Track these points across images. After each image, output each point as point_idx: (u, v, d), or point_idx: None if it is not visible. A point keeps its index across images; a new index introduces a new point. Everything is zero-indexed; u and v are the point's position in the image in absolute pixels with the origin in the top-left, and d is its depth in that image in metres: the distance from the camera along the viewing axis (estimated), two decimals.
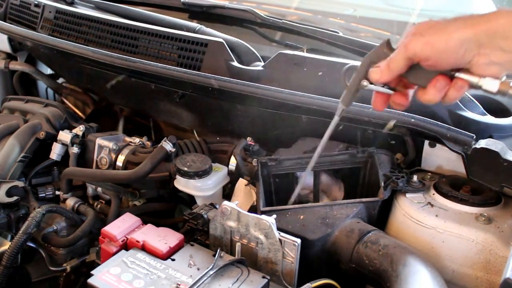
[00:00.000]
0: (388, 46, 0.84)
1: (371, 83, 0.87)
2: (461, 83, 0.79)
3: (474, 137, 1.04)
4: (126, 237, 1.05)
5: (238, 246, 1.03)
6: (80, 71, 1.70)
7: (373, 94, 0.90)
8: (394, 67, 0.82)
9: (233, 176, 1.35)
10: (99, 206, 1.42)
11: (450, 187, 1.11)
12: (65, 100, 1.99)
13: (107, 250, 1.03)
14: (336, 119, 0.95)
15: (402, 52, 0.80)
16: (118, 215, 1.25)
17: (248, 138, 1.35)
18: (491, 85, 0.77)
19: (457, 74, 0.79)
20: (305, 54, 1.32)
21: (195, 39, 1.42)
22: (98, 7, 1.86)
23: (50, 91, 2.09)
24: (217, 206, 1.12)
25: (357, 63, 0.91)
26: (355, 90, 0.89)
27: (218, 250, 0.98)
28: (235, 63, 1.36)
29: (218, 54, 1.38)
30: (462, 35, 0.74)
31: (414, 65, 0.81)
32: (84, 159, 1.50)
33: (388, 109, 1.11)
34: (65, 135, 1.50)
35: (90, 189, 1.47)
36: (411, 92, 0.88)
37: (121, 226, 1.07)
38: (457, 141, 1.05)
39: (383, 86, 0.87)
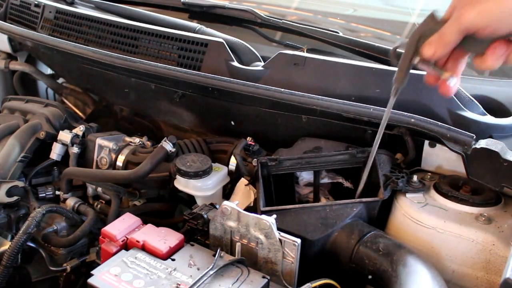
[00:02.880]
0: (434, 19, 0.82)
1: (423, 60, 0.84)
2: None
3: (474, 137, 1.04)
4: (126, 237, 1.05)
5: (238, 246, 1.03)
6: (80, 71, 1.70)
7: (425, 71, 0.88)
8: (448, 40, 0.79)
9: (233, 176, 1.35)
10: (99, 206, 1.42)
11: (450, 187, 1.11)
12: (65, 100, 1.99)
13: (107, 250, 1.03)
14: (392, 100, 0.92)
15: (455, 25, 0.78)
16: (118, 215, 1.25)
17: (248, 138, 1.35)
18: None
19: None
20: (305, 54, 1.32)
21: (195, 39, 1.42)
22: (98, 7, 1.86)
23: (50, 91, 2.09)
24: (217, 206, 1.12)
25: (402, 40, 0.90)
26: (407, 67, 0.86)
27: (218, 250, 0.98)
28: (235, 63, 1.36)
29: (218, 54, 1.38)
30: None
31: (467, 36, 0.78)
32: (84, 159, 1.50)
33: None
34: (65, 135, 1.50)
35: (90, 189, 1.47)
36: (461, 69, 0.85)
37: (121, 226, 1.07)
38: (457, 141, 1.05)
39: (433, 65, 0.85)
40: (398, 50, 0.89)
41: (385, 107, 1.11)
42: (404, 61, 0.86)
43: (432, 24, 0.81)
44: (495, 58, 0.78)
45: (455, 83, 0.86)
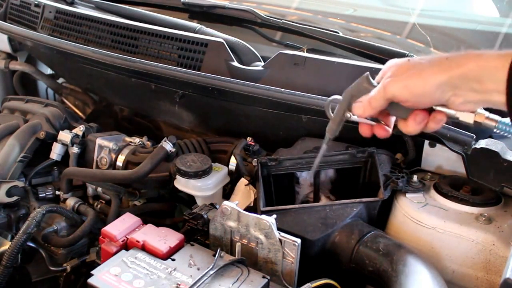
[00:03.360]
0: (368, 81, 0.89)
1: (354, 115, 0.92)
2: (440, 116, 0.85)
3: (474, 137, 1.04)
4: (126, 237, 1.05)
5: (238, 246, 1.03)
6: (80, 71, 1.70)
7: (359, 123, 0.95)
8: (375, 104, 0.87)
9: (233, 176, 1.35)
10: (99, 206, 1.42)
11: (450, 187, 1.11)
12: (65, 100, 1.99)
13: (107, 250, 1.03)
14: (324, 147, 0.99)
15: (381, 93, 0.85)
16: (118, 215, 1.25)
17: (248, 138, 1.35)
18: (467, 117, 0.83)
19: (436, 108, 0.84)
20: (305, 54, 1.32)
21: (195, 39, 1.42)
22: (98, 7, 1.86)
23: (50, 91, 2.09)
24: (217, 206, 1.12)
25: (338, 97, 0.95)
26: (339, 121, 0.94)
27: (218, 250, 0.98)
28: (235, 63, 1.36)
29: (218, 54, 1.38)
30: (437, 79, 0.79)
31: (392, 102, 0.86)
32: (84, 159, 1.50)
33: None
34: (65, 135, 1.50)
35: (90, 189, 1.47)
36: (392, 122, 0.93)
37: (121, 226, 1.07)
38: (457, 141, 1.05)
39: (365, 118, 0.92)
40: (332, 103, 0.96)
41: None
42: (337, 114, 0.94)
43: (365, 85, 0.89)
44: (415, 124, 0.86)
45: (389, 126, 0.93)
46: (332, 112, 0.95)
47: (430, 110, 0.85)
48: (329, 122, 0.96)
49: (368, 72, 0.90)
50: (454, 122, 1.09)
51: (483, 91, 0.77)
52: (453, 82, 0.78)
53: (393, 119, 0.93)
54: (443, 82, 0.79)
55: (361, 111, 0.89)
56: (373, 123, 0.93)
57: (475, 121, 0.83)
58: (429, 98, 0.82)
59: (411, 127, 0.86)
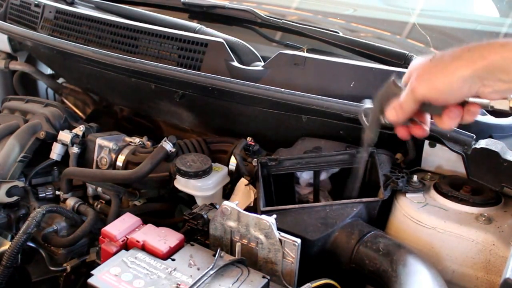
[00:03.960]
0: (395, 85, 0.90)
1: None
2: (474, 108, 0.84)
3: (474, 137, 1.04)
4: (126, 237, 1.05)
5: (238, 246, 1.03)
6: (80, 71, 1.70)
7: (396, 126, 0.95)
8: (407, 108, 0.87)
9: (233, 176, 1.35)
10: (99, 206, 1.42)
11: (450, 187, 1.11)
12: (65, 100, 1.99)
13: (107, 250, 1.03)
14: (364, 156, 1.05)
15: (410, 96, 0.85)
16: (118, 215, 1.25)
17: (248, 138, 1.35)
18: (502, 104, 0.82)
19: (469, 100, 0.83)
20: (305, 54, 1.32)
21: (195, 39, 1.42)
22: (98, 7, 1.86)
23: (50, 91, 2.09)
24: (217, 206, 1.12)
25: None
26: (375, 128, 0.95)
27: (218, 250, 0.98)
28: (235, 63, 1.36)
29: (218, 54, 1.38)
30: (462, 74, 0.79)
31: (424, 102, 0.85)
32: (84, 159, 1.50)
33: None
34: (65, 135, 1.50)
35: (90, 189, 1.47)
36: (428, 119, 0.92)
37: (121, 226, 1.07)
38: (457, 141, 1.05)
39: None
40: (365, 111, 0.96)
41: None
42: (372, 121, 0.95)
43: (393, 89, 0.90)
44: (450, 120, 0.86)
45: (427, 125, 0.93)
46: (367, 120, 0.96)
47: (463, 103, 0.84)
48: (366, 131, 0.97)
49: (393, 76, 0.90)
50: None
51: (510, 81, 0.77)
52: (479, 74, 0.78)
53: (428, 116, 0.92)
54: (468, 76, 0.78)
55: (395, 116, 0.89)
56: (408, 123, 0.92)
57: (511, 107, 0.82)
58: (458, 94, 0.81)
59: (447, 123, 0.86)
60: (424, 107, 0.86)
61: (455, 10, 1.72)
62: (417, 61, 0.87)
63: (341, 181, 1.30)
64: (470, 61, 0.78)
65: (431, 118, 0.92)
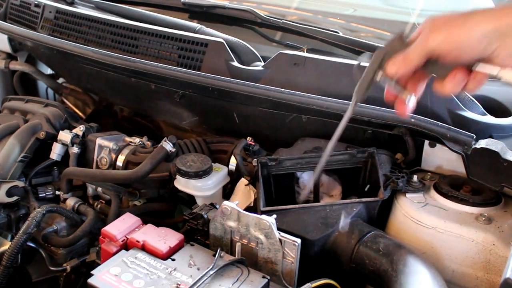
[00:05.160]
0: (402, 39, 0.83)
1: (386, 76, 0.86)
2: (481, 76, 0.79)
3: (474, 137, 1.04)
4: (126, 237, 1.05)
5: (238, 246, 1.03)
6: (80, 71, 1.70)
7: (385, 87, 0.89)
8: (412, 61, 0.81)
9: (233, 176, 1.35)
10: (99, 206, 1.42)
11: (450, 187, 1.11)
12: (65, 100, 1.99)
13: (107, 250, 1.03)
14: (349, 112, 0.92)
15: (420, 47, 0.80)
16: (118, 215, 1.25)
17: (248, 138, 1.35)
18: (511, 75, 0.76)
19: (477, 66, 0.78)
20: (305, 54, 1.32)
21: (195, 39, 1.42)
22: (98, 7, 1.86)
23: (50, 91, 2.09)
24: (217, 206, 1.12)
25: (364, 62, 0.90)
26: (369, 82, 0.87)
27: (218, 250, 0.98)
28: (235, 63, 1.36)
29: (218, 54, 1.38)
30: (484, 28, 0.74)
31: (431, 59, 0.80)
32: (84, 159, 1.50)
33: (389, 109, 1.11)
34: (65, 135, 1.50)
35: (90, 189, 1.47)
36: (419, 92, 0.87)
37: (121, 226, 1.07)
38: (457, 141, 1.05)
39: (395, 83, 0.86)
40: (361, 64, 0.90)
41: (385, 107, 1.12)
42: (367, 75, 0.87)
43: (399, 44, 0.83)
44: (454, 85, 0.80)
45: (413, 102, 0.87)
46: (360, 74, 0.88)
47: (469, 70, 0.79)
48: (357, 84, 0.89)
49: (403, 30, 0.84)
50: (454, 121, 1.09)
51: None
52: (502, 31, 0.73)
53: (422, 87, 0.87)
54: (490, 30, 0.74)
55: (395, 69, 0.82)
56: (400, 90, 0.85)
57: None
58: (473, 50, 0.76)
59: (449, 87, 0.80)
60: (429, 65, 0.80)
61: (455, 10, 1.72)
62: (430, 17, 0.81)
63: (341, 181, 1.30)
64: (494, 17, 0.74)
65: (431, 84, 0.85)
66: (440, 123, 1.08)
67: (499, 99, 1.25)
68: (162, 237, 1.03)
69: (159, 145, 1.35)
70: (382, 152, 1.20)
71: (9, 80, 2.07)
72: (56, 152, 1.52)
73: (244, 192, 1.27)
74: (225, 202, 1.02)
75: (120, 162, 1.44)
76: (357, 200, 1.11)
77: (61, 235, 1.29)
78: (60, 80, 2.04)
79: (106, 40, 1.57)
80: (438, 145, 1.17)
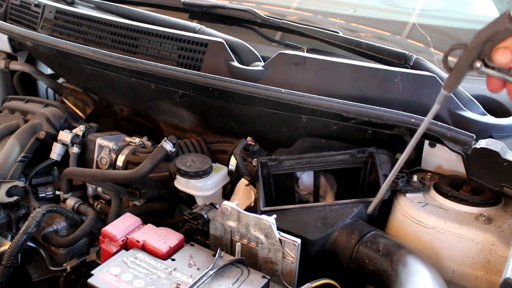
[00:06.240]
0: (510, 20, 0.70)
1: (486, 65, 0.74)
2: None
3: (474, 137, 1.04)
4: (126, 237, 1.05)
5: (238, 246, 1.03)
6: (80, 71, 1.70)
7: (487, 76, 0.77)
8: None
9: (233, 176, 1.35)
10: (99, 206, 1.42)
11: (450, 187, 1.11)
12: (65, 100, 1.99)
13: (107, 250, 1.03)
14: (437, 106, 0.81)
15: None
16: (118, 215, 1.25)
17: (248, 138, 1.35)
18: None
19: None
20: (305, 54, 1.32)
21: (195, 39, 1.42)
22: (98, 7, 1.86)
23: (50, 91, 2.09)
24: (217, 206, 1.12)
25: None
26: (463, 72, 0.75)
27: (218, 250, 0.98)
28: (235, 63, 1.36)
29: (218, 54, 1.38)
30: None
31: None
32: (84, 159, 1.50)
33: (389, 109, 1.11)
34: (65, 135, 1.50)
35: (90, 189, 1.47)
36: None
37: (121, 226, 1.07)
38: (457, 141, 1.05)
39: (504, 71, 0.74)
40: (454, 51, 0.78)
41: (385, 107, 1.11)
42: (463, 64, 0.75)
43: (508, 25, 0.70)
44: None
45: None
46: (453, 61, 0.76)
47: None
48: (448, 76, 0.77)
49: (509, 10, 0.70)
50: (454, 121, 1.09)
51: None
52: None
53: None
54: None
55: (508, 58, 0.70)
56: (509, 78, 0.73)
57: None
58: None
59: None
60: None
61: (455, 10, 1.72)
62: None
63: (341, 181, 1.30)
64: None
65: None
66: (440, 123, 1.08)
67: (499, 99, 1.25)
68: (162, 237, 1.03)
69: (159, 145, 1.35)
70: (382, 152, 1.20)
71: (9, 80, 2.07)
72: (56, 152, 1.52)
73: (244, 192, 1.27)
74: (225, 202, 1.02)
75: (120, 162, 1.44)
76: (357, 200, 1.11)
77: (61, 235, 1.29)
78: (60, 80, 2.04)
79: (106, 40, 1.57)
80: (438, 145, 1.17)
